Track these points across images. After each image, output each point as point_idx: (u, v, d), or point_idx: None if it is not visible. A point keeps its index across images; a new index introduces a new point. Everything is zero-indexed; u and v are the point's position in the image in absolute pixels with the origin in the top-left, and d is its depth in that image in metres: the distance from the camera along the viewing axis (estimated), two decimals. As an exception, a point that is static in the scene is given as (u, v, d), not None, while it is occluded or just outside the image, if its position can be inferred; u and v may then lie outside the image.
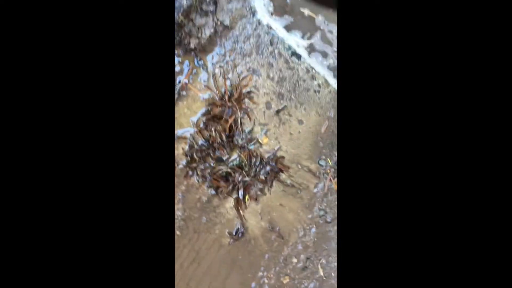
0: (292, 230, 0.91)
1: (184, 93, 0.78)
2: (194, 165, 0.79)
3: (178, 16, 0.70)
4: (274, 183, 0.88)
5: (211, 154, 0.77)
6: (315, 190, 0.93)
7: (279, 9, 0.88)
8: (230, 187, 0.83)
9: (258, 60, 0.86)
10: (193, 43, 0.76)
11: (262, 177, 0.86)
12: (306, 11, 0.91)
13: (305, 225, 0.92)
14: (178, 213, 0.80)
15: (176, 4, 0.69)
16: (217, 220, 0.84)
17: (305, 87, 0.91)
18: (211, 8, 0.79)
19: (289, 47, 0.89)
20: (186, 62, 0.78)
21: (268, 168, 0.86)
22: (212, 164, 0.79)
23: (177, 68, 0.77)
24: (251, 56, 0.85)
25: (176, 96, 0.77)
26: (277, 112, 0.88)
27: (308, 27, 0.91)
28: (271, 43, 0.87)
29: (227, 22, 0.81)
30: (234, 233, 0.85)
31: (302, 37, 0.91)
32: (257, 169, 0.85)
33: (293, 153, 0.91)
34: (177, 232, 0.80)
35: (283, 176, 0.90)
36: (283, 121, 0.89)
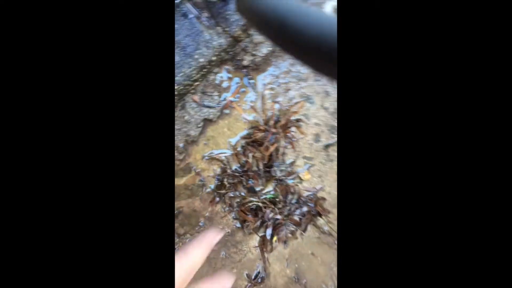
0: (321, 286, 0.77)
1: (227, 111, 0.71)
2: (223, 191, 0.70)
3: (236, 30, 0.64)
4: (308, 228, 0.76)
5: (244, 183, 0.68)
6: (356, 245, 0.78)
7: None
8: (258, 223, 0.73)
9: (315, 86, 0.77)
10: (246, 60, 0.69)
11: (296, 218, 0.74)
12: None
13: (336, 283, 0.77)
14: (196, 240, 0.72)
15: (236, 17, 0.64)
16: (237, 257, 0.74)
17: (363, 124, 0.79)
18: (272, 25, 0.73)
19: (352, 78, 0.78)
20: (236, 79, 0.72)
21: (305, 208, 0.75)
22: (242, 194, 0.70)
23: (225, 84, 0.71)
24: (307, 81, 0.76)
25: (218, 113, 0.70)
26: (326, 147, 0.77)
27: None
28: (316, 73, 0.77)
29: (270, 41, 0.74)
30: (253, 277, 0.74)
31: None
32: (292, 208, 0.74)
33: (336, 196, 0.79)
34: (191, 262, 0.71)
35: (320, 221, 0.77)
36: (331, 158, 0.78)
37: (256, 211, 0.71)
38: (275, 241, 0.72)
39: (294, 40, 0.22)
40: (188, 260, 0.35)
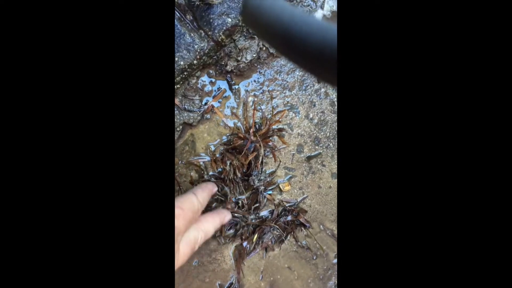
0: (296, 302, 0.75)
1: (208, 116, 0.70)
2: (197, 198, 0.69)
3: (219, 34, 0.63)
4: (285, 241, 0.74)
5: (218, 190, 0.67)
6: (335, 261, 0.76)
7: (337, 45, 0.77)
8: (232, 231, 0.71)
9: (300, 96, 0.75)
10: (230, 66, 0.68)
11: (282, 225, 0.72)
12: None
13: (313, 301, 0.75)
14: (168, 246, 0.70)
15: (220, 21, 0.63)
16: (210, 266, 0.72)
17: (348, 137, 0.77)
18: (259, 31, 0.72)
19: (339, 89, 0.76)
20: (218, 83, 0.70)
21: (289, 217, 0.72)
22: (216, 200, 0.68)
23: (207, 88, 0.70)
24: (292, 90, 0.75)
25: (198, 118, 0.69)
26: (309, 158, 0.76)
27: (367, 70, 0.78)
28: (319, 81, 0.76)
29: (273, 50, 0.73)
30: (225, 288, 0.72)
31: (357, 80, 0.79)
32: (279, 213, 0.72)
33: (317, 210, 0.76)
34: (161, 269, 0.69)
35: (300, 233, 0.75)
36: (314, 171, 0.76)
37: (233, 219, 0.69)
38: (255, 240, 0.70)
39: (296, 48, 0.23)
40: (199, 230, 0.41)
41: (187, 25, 0.63)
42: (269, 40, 0.27)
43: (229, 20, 0.65)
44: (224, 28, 0.64)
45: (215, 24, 0.64)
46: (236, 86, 0.71)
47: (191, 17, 0.63)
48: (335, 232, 0.77)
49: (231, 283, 0.72)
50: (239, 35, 0.68)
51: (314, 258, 0.76)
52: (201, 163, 0.70)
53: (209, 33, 0.64)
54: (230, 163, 0.67)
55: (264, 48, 0.72)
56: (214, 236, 0.71)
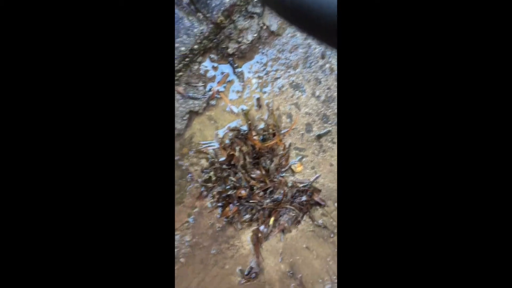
0: (317, 281, 0.75)
1: (213, 102, 0.68)
2: (209, 184, 0.68)
3: (218, 15, 0.61)
4: (302, 221, 0.74)
5: (232, 177, 0.66)
6: (353, 238, 0.76)
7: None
8: (248, 217, 0.70)
9: (304, 74, 0.73)
10: (231, 48, 0.66)
11: (297, 205, 0.72)
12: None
13: (333, 278, 0.75)
14: (186, 238, 0.70)
15: (217, 2, 0.60)
16: (229, 253, 0.72)
17: (357, 112, 0.75)
18: (258, 10, 0.69)
19: (344, 63, 0.75)
20: (221, 68, 0.69)
21: (303, 198, 0.72)
22: (229, 186, 0.67)
23: (210, 74, 0.68)
24: (296, 69, 0.73)
25: (204, 104, 0.67)
26: (318, 137, 0.74)
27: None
28: (323, 57, 0.74)
29: (274, 28, 0.71)
30: (246, 273, 0.72)
31: (362, 53, 0.77)
32: (293, 195, 0.71)
33: (331, 188, 0.76)
34: (181, 259, 0.69)
35: (316, 213, 0.75)
36: (324, 149, 0.75)
37: (247, 201, 0.69)
38: (272, 223, 0.70)
39: (300, 15, 0.26)
40: None
41: (184, 8, 0.61)
42: (276, 7, 0.27)
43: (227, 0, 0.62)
44: (222, 8, 0.62)
45: (213, 5, 0.61)
46: (239, 69, 0.70)
47: (187, 0, 0.61)
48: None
49: (251, 268, 0.72)
50: (238, 15, 0.66)
51: (332, 236, 0.76)
52: (211, 150, 0.69)
53: (207, 15, 0.62)
54: (239, 149, 0.66)
55: (265, 27, 0.70)
56: (230, 223, 0.70)
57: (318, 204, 0.74)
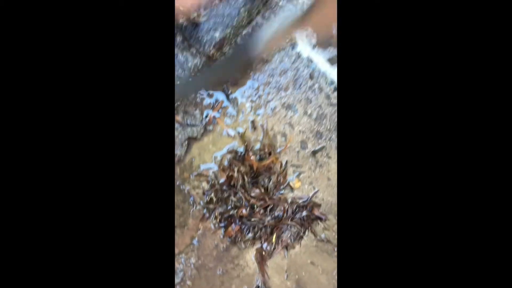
0: (325, 296, 0.75)
1: (210, 127, 0.73)
2: (211, 206, 0.71)
3: (210, 49, 0.67)
4: (304, 237, 0.75)
5: (233, 198, 0.69)
6: (357, 250, 0.76)
7: (323, 41, 0.80)
8: (250, 235, 0.72)
9: (295, 95, 0.78)
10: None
11: (298, 221, 0.73)
12: (354, 43, 0.82)
13: (341, 293, 0.75)
14: (191, 260, 0.72)
15: (208, 37, 0.66)
16: (235, 273, 0.73)
17: (349, 126, 0.78)
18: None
19: (332, 82, 0.79)
20: (216, 95, 0.73)
21: (304, 213, 0.74)
22: (231, 206, 0.70)
23: (206, 101, 0.73)
24: (287, 90, 0.77)
25: (201, 130, 0.72)
26: (314, 153, 0.77)
27: (356, 60, 0.81)
28: (311, 77, 0.78)
29: (263, 55, 0.76)
30: (252, 292, 0.72)
31: (348, 71, 0.81)
32: (293, 211, 0.73)
33: (330, 202, 0.78)
34: (188, 282, 0.71)
35: (318, 227, 0.76)
36: (321, 164, 0.77)
37: (248, 220, 0.71)
38: (274, 240, 0.71)
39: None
40: None
41: (178, 45, 0.67)
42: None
43: (217, 34, 0.68)
44: (213, 42, 0.68)
45: (204, 40, 0.67)
46: (233, 95, 0.74)
47: (181, 38, 0.67)
48: (352, 221, 0.78)
49: (258, 287, 0.73)
50: (228, 47, 0.72)
51: (335, 249, 0.77)
52: (210, 173, 0.73)
53: (200, 49, 0.67)
54: (237, 170, 0.69)
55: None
56: (234, 242, 0.72)
57: (319, 218, 0.75)
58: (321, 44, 0.80)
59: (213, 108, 0.73)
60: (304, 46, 0.80)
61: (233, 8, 0.71)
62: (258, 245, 0.74)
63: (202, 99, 0.73)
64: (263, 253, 0.73)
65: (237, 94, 0.75)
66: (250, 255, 0.74)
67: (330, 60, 0.80)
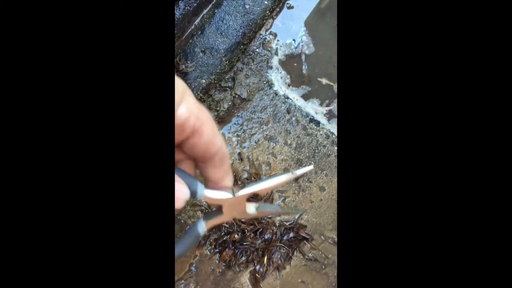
0: (318, 313, 0.80)
1: (202, 161, 0.81)
2: (206, 233, 0.77)
3: (198, 94, 0.77)
4: (293, 257, 0.82)
5: (225, 224, 0.76)
6: (343, 266, 0.82)
7: (296, 81, 0.92)
8: (243, 259, 0.78)
9: (275, 128, 0.88)
10: (212, 116, 0.81)
11: (286, 242, 0.80)
12: (324, 81, 0.94)
13: (332, 309, 0.80)
14: (190, 285, 0.77)
15: (196, 84, 0.77)
16: (231, 296, 0.78)
17: (325, 152, 0.88)
18: (230, 84, 0.86)
19: (307, 114, 0.90)
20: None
21: (291, 234, 0.80)
22: (224, 232, 0.77)
23: (197, 139, 0.82)
24: (268, 124, 0.88)
25: (194, 164, 0.80)
26: (296, 179, 0.86)
27: (326, 95, 0.93)
28: (288, 112, 0.89)
29: (244, 95, 0.87)
30: (249, 313, 0.77)
31: (321, 104, 0.92)
32: (281, 233, 0.80)
33: (315, 223, 0.85)
34: (188, 308, 0.75)
35: (305, 247, 0.83)
36: (303, 188, 0.86)
37: (241, 244, 0.77)
38: (266, 261, 0.77)
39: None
40: None
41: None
42: None
43: (203, 81, 0.79)
44: (200, 88, 0.79)
45: (193, 87, 0.78)
46: (220, 132, 0.84)
47: (172, 86, 0.77)
48: (336, 239, 0.85)
49: (254, 308, 0.78)
50: (214, 90, 0.83)
51: (323, 268, 0.83)
52: (204, 202, 0.80)
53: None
54: (229, 197, 0.77)
55: (237, 96, 0.86)
56: (229, 266, 0.78)
57: (305, 238, 0.82)
58: (294, 83, 0.92)
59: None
60: (280, 85, 0.91)
61: (215, 59, 0.83)
62: (251, 267, 0.79)
63: (193, 137, 0.83)
64: (257, 275, 0.79)
65: (224, 130, 0.85)
66: (245, 277, 0.79)
67: (304, 96, 0.92)
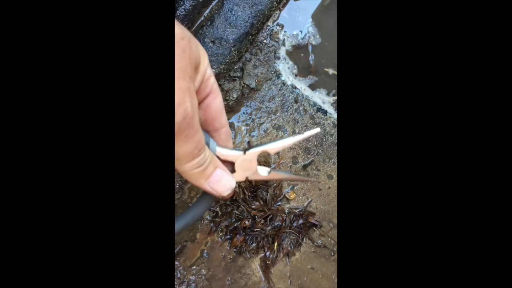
0: (327, 299, 0.81)
1: (212, 150, 0.82)
2: (217, 219, 0.79)
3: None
4: (303, 244, 0.83)
5: (235, 211, 0.77)
6: (351, 252, 0.84)
7: (303, 71, 0.94)
8: (254, 245, 0.79)
9: (283, 117, 0.89)
10: (221, 105, 0.82)
11: (296, 229, 0.81)
12: (331, 71, 0.95)
13: (341, 294, 0.81)
14: (202, 271, 0.78)
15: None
16: (242, 282, 0.79)
17: (333, 141, 0.90)
18: (238, 74, 0.88)
19: (314, 104, 0.91)
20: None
21: (300, 221, 0.82)
22: (234, 219, 0.78)
23: (206, 128, 0.83)
24: (276, 114, 0.89)
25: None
26: (304, 167, 0.87)
27: (333, 84, 0.94)
28: (296, 101, 0.90)
29: (253, 85, 0.88)
30: (260, 298, 0.78)
31: (328, 94, 0.94)
32: (291, 220, 0.81)
33: (323, 210, 0.86)
34: (200, 293, 0.76)
35: (314, 234, 0.84)
36: (311, 176, 0.87)
37: (251, 230, 0.78)
38: (276, 248, 0.78)
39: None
40: None
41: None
42: None
43: (213, 71, 0.80)
44: (210, 77, 0.80)
45: (203, 76, 0.79)
46: (230, 121, 0.85)
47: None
48: (344, 225, 0.86)
49: (264, 294, 0.79)
50: (223, 80, 0.84)
51: (332, 254, 0.84)
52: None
53: (200, 83, 0.79)
54: (238, 185, 0.78)
55: (246, 86, 0.88)
56: (239, 252, 0.79)
57: (314, 225, 0.84)
58: (301, 73, 0.93)
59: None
60: (287, 75, 0.93)
61: (224, 49, 0.84)
62: (262, 254, 0.81)
63: (203, 126, 0.84)
64: (267, 261, 0.80)
65: (233, 119, 0.86)
66: (255, 264, 0.80)
67: (311, 86, 0.93)
